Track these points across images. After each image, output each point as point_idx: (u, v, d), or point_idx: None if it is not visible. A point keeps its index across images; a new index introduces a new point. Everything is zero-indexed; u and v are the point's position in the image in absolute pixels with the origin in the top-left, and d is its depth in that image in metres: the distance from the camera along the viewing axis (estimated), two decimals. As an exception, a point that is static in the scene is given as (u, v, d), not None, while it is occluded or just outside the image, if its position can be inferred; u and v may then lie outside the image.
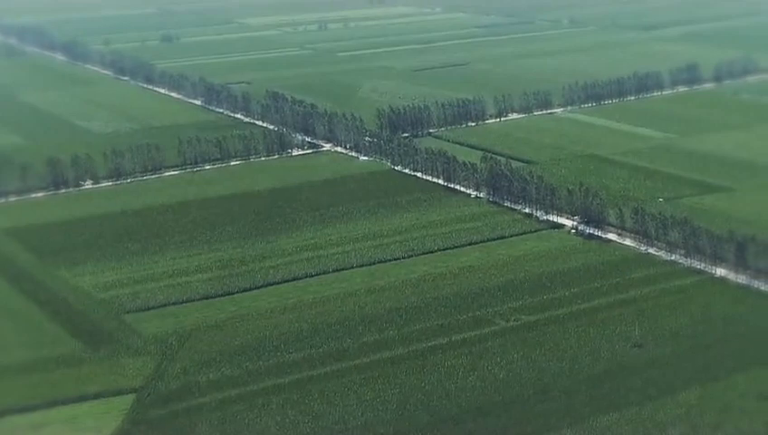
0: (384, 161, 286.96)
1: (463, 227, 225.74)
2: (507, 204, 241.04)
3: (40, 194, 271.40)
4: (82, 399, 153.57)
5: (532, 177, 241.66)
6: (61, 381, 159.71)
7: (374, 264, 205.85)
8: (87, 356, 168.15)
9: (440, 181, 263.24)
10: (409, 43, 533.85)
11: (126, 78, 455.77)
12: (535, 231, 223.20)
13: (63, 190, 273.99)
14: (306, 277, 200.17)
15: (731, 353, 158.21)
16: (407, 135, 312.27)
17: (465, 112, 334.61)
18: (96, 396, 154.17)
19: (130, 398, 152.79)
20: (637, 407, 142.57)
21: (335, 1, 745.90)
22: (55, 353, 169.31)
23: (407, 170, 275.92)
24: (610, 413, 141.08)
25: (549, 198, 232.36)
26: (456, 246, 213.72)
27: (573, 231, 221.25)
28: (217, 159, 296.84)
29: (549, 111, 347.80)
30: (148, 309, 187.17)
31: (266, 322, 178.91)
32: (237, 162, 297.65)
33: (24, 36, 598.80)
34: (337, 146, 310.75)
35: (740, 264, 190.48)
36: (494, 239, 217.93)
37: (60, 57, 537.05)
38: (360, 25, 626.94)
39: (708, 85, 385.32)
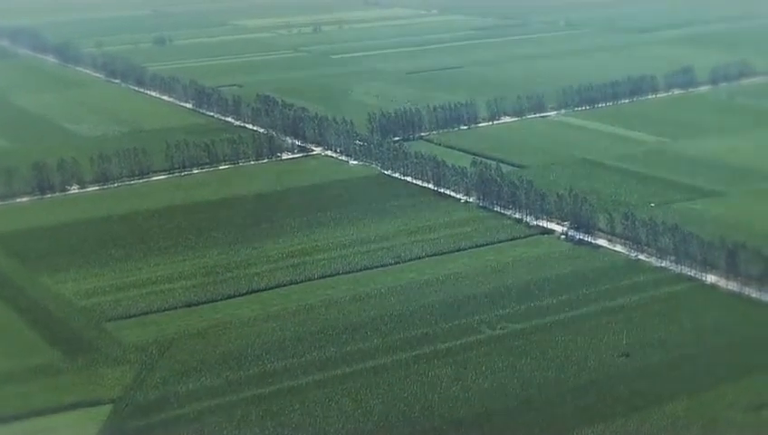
0: (374, 166, 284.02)
1: (451, 232, 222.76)
2: (497, 209, 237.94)
3: (25, 199, 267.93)
4: (59, 409, 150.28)
5: (522, 181, 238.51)
6: (37, 391, 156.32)
7: (360, 271, 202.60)
8: (65, 365, 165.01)
9: (430, 186, 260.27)
10: (404, 45, 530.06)
11: (117, 81, 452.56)
12: (525, 237, 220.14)
13: (49, 195, 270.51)
14: (291, 284, 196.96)
15: (720, 363, 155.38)
16: (397, 139, 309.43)
17: (457, 116, 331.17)
18: (73, 407, 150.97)
19: (108, 408, 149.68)
20: (623, 418, 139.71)
21: (331, 3, 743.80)
22: (33, 363, 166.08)
23: (396, 175, 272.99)
24: (596, 424, 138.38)
25: (539, 202, 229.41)
26: (444, 253, 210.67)
27: (563, 237, 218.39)
28: (206, 164, 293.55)
29: (542, 115, 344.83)
30: (130, 317, 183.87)
31: (249, 330, 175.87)
32: (226, 166, 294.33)
33: (17, 38, 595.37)
34: (327, 150, 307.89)
35: (731, 271, 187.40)
36: (483, 245, 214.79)
37: (51, 59, 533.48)
38: (355, 28, 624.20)
39: (703, 88, 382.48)
